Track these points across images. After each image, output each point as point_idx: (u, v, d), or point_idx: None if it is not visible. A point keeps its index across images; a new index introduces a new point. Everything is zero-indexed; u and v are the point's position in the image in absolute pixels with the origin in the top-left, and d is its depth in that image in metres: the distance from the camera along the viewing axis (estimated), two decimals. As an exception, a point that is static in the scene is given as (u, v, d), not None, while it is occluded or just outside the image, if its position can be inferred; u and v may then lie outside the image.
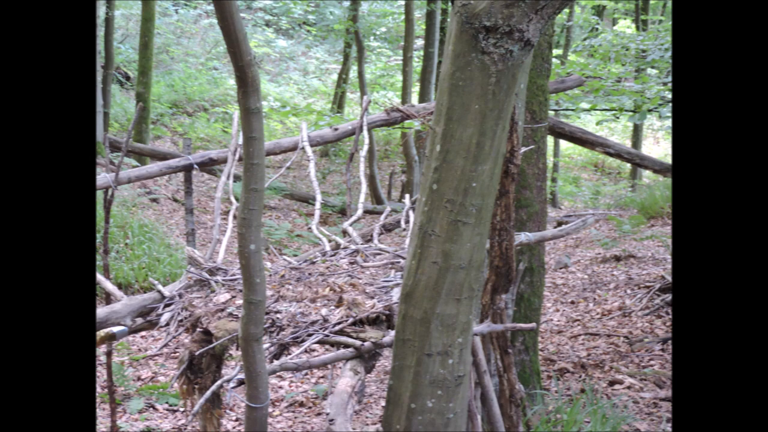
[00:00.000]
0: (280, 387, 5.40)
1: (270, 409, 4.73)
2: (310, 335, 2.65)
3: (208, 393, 2.44)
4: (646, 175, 15.08)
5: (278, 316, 2.81)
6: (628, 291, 7.48)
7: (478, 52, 1.95)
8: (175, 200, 10.63)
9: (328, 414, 2.19)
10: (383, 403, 4.26)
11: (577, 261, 9.23)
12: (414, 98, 12.97)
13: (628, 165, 15.02)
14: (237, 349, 2.60)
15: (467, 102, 1.99)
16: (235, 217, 4.06)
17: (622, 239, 9.69)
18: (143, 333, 5.98)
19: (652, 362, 5.58)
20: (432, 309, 2.13)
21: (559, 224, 9.40)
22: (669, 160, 10.48)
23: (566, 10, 13.62)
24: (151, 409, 4.95)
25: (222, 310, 2.94)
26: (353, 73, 15.29)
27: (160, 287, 3.31)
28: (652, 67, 9.00)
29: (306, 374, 5.60)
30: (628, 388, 5.09)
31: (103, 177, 4.46)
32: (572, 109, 8.84)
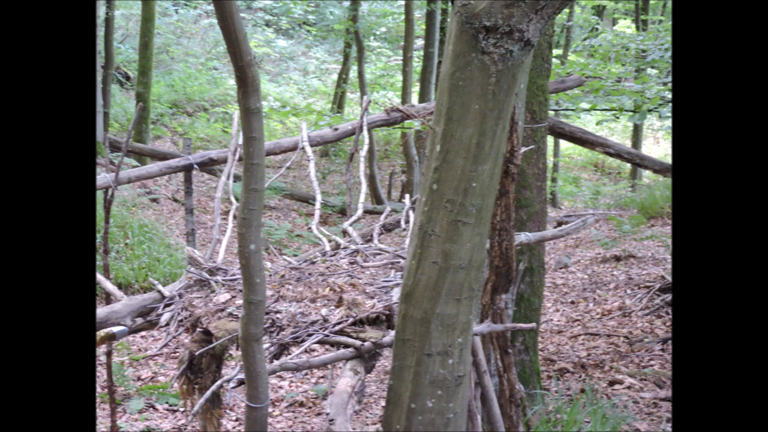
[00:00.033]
0: (280, 387, 5.40)
1: (270, 409, 4.73)
2: (310, 335, 2.66)
3: (208, 393, 2.44)
4: (646, 175, 15.08)
5: (278, 316, 2.81)
6: (628, 291, 7.48)
7: (478, 52, 1.95)
8: (175, 200, 10.63)
9: (328, 414, 2.19)
10: (383, 403, 4.26)
11: (577, 261, 9.23)
12: (414, 98, 12.97)
13: (628, 165, 15.02)
14: (237, 349, 2.60)
15: (467, 102, 1.99)
16: (235, 217, 4.05)
17: (622, 239, 9.69)
18: (143, 333, 5.98)
19: (652, 362, 5.58)
20: (432, 309, 2.13)
21: (559, 224, 9.40)
22: (669, 160, 10.48)
23: (566, 10, 13.62)
24: (151, 409, 4.95)
25: (222, 310, 2.94)
26: (353, 73, 15.30)
27: (160, 287, 3.31)
28: (652, 67, 9.00)
29: (306, 374, 5.60)
30: (628, 388, 5.09)
31: (103, 177, 4.47)
32: (572, 109, 8.84)
